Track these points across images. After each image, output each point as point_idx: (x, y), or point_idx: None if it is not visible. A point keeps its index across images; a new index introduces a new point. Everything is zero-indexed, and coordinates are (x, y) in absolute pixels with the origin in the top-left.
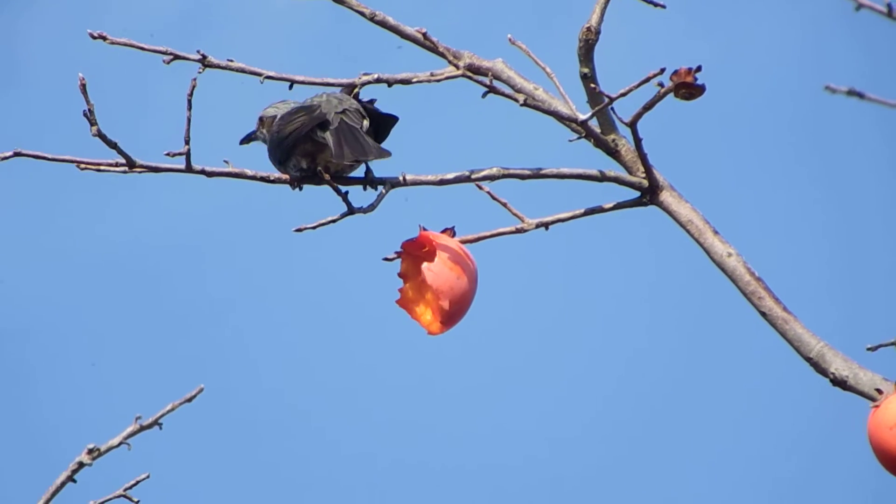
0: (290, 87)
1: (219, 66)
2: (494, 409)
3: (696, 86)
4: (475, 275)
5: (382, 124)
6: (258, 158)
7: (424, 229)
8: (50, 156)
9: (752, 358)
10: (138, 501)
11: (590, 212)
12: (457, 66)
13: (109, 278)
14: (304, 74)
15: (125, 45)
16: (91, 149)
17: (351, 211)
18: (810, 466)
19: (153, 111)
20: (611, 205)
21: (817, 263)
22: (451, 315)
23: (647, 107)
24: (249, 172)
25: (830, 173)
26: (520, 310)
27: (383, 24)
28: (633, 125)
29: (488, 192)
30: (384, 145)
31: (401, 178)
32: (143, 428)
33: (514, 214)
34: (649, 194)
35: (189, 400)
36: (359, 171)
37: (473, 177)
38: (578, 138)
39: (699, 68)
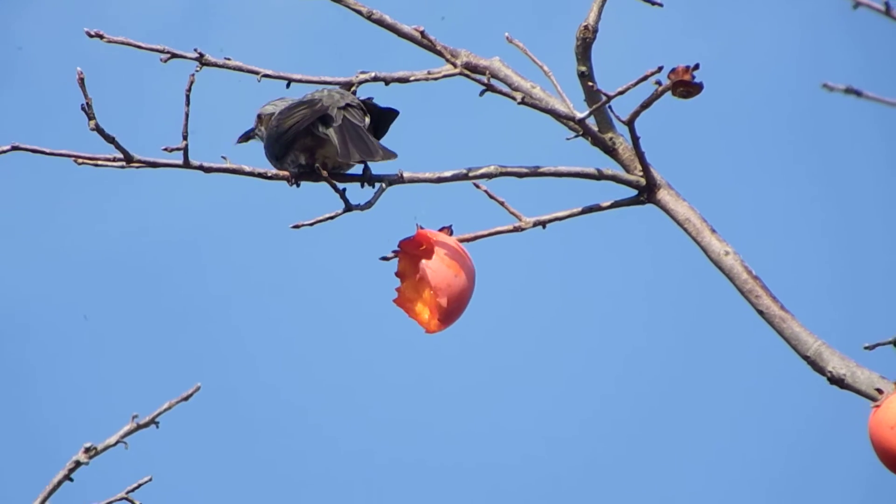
0: (288, 85)
1: (216, 65)
2: (492, 408)
3: (694, 84)
4: (472, 273)
5: (382, 120)
6: (256, 155)
7: (422, 228)
8: (47, 150)
9: (749, 356)
10: None
11: (587, 210)
12: (454, 65)
13: (106, 275)
14: (302, 73)
15: (122, 43)
16: (89, 145)
17: (349, 208)
18: (807, 465)
19: (151, 109)
20: (608, 203)
21: (815, 262)
22: (449, 313)
23: (645, 105)
24: (247, 168)
25: (828, 172)
26: (517, 308)
27: (381, 22)
28: (630, 123)
29: (486, 191)
30: (384, 141)
31: (398, 176)
32: (139, 427)
33: (512, 213)
34: (647, 193)
35: (186, 398)
36: (356, 169)
37: (471, 175)
38: (576, 136)
39: (697, 66)
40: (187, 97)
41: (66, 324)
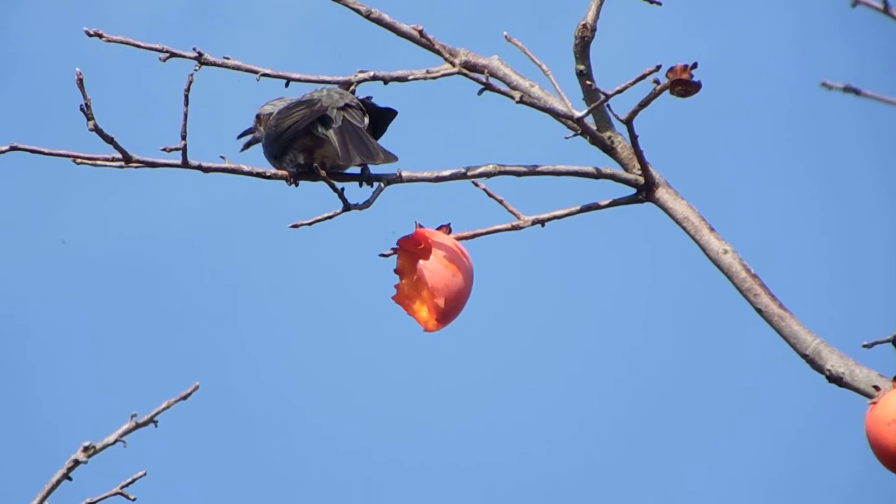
0: (287, 84)
1: (215, 64)
2: (490, 406)
3: (692, 83)
4: (471, 272)
5: (381, 120)
6: (255, 155)
7: (420, 226)
8: (46, 150)
9: (747, 355)
10: (135, 499)
11: (586, 209)
12: (453, 64)
13: (105, 274)
14: (301, 72)
15: (121, 42)
16: (89, 145)
17: (347, 208)
18: (806, 463)
19: (152, 108)
20: (607, 202)
21: (813, 260)
22: (447, 312)
23: (643, 104)
24: (246, 168)
25: (827, 170)
26: (516, 307)
27: (379, 21)
28: (629, 122)
29: (484, 189)
30: (382, 141)
31: (397, 175)
32: (138, 425)
33: (510, 211)
34: (645, 191)
35: (185, 397)
36: (355, 168)
37: (469, 174)
38: (574, 135)
39: (695, 65)
40: (186, 97)
41: (65, 323)
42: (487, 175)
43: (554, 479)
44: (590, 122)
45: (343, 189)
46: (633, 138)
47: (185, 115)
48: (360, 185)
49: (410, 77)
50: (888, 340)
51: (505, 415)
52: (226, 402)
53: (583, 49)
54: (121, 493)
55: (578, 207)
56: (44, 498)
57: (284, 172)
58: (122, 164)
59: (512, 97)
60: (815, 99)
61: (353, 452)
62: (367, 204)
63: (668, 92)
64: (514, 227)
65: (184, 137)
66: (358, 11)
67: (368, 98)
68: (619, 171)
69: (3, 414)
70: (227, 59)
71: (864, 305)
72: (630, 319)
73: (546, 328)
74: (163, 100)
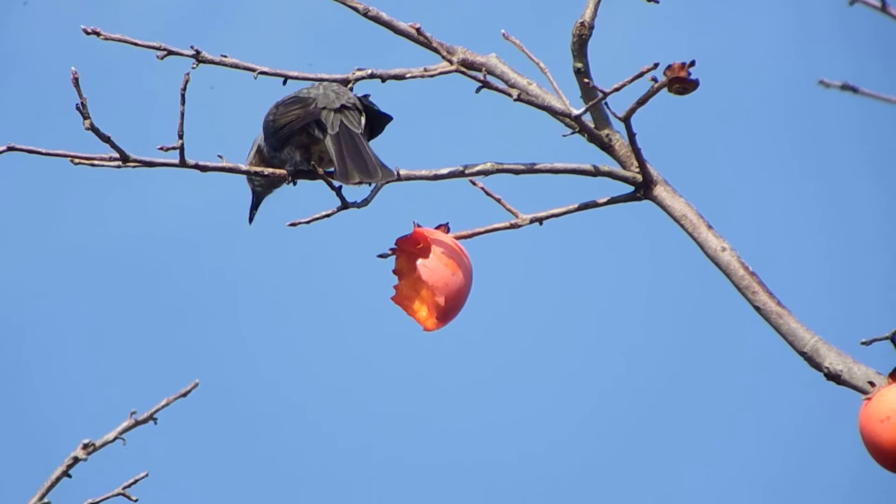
0: (284, 82)
1: (212, 62)
2: (490, 405)
3: (690, 80)
4: (470, 270)
5: (377, 121)
6: None
7: (419, 226)
8: (44, 150)
9: (746, 352)
10: (137, 500)
11: (584, 207)
12: (450, 62)
13: (104, 272)
14: (299, 70)
15: (119, 40)
16: (90, 144)
17: (345, 206)
18: (804, 460)
19: (152, 107)
20: (605, 200)
21: (812, 258)
22: (447, 311)
23: (641, 102)
24: (243, 167)
25: (825, 168)
26: (514, 305)
27: (377, 19)
28: (626, 120)
29: (482, 188)
30: (378, 141)
31: (394, 173)
32: (138, 423)
33: (508, 210)
34: (643, 189)
35: (184, 395)
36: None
37: (467, 172)
38: (572, 133)
39: (693, 63)
40: (183, 95)
41: (64, 321)
42: (485, 173)
43: (553, 477)
44: (588, 119)
45: (341, 187)
46: (631, 136)
47: (182, 114)
48: (358, 184)
49: (408, 75)
50: (886, 338)
51: (504, 413)
52: (225, 399)
53: (580, 47)
54: (123, 494)
55: (576, 205)
56: (43, 495)
57: (282, 171)
58: (120, 163)
59: (510, 95)
60: (812, 97)
61: (352, 451)
62: (366, 202)
63: (665, 90)
64: (513, 226)
65: (181, 136)
66: (355, 9)
67: (367, 96)
68: (617, 169)
69: (2, 411)
70: (225, 57)
71: (862, 303)
72: (628, 317)
73: (545, 326)
74: (161, 98)
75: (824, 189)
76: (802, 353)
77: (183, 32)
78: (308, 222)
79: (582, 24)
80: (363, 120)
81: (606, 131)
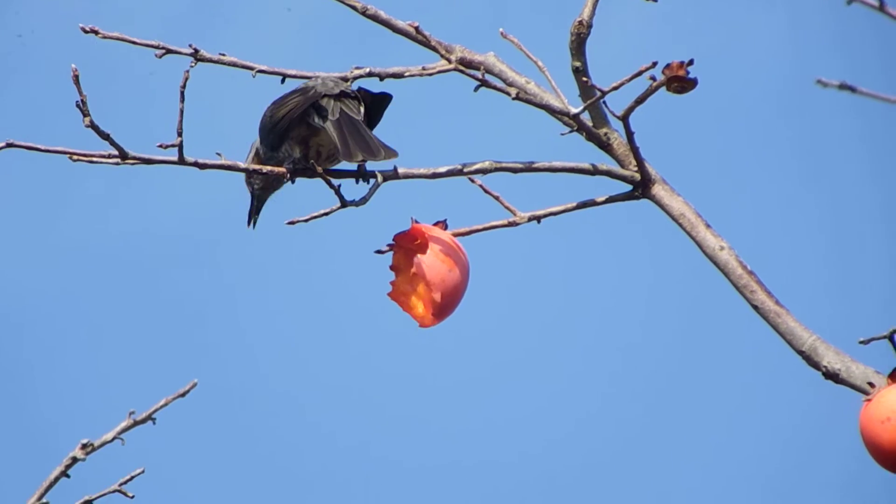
0: (283, 80)
1: (211, 60)
2: (487, 403)
3: (689, 79)
4: (467, 267)
5: (375, 108)
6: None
7: (416, 222)
8: (42, 147)
9: (744, 352)
10: (133, 497)
11: (582, 205)
12: (449, 60)
13: (103, 271)
14: (297, 68)
15: (117, 39)
16: (90, 142)
17: (344, 204)
18: (802, 460)
19: (153, 106)
20: (603, 198)
21: (810, 257)
22: (443, 308)
23: (639, 100)
24: (242, 165)
25: (823, 167)
26: (512, 303)
27: (375, 18)
28: (625, 119)
29: (480, 186)
30: (378, 129)
31: (393, 172)
32: (136, 423)
33: (507, 208)
34: (641, 188)
35: (183, 395)
36: (351, 163)
37: (466, 170)
38: (570, 132)
39: (691, 62)
40: (182, 93)
41: (63, 320)
42: (484, 171)
43: (551, 476)
44: (586, 118)
45: (340, 185)
46: (630, 135)
47: (181, 112)
48: (357, 182)
49: (406, 74)
50: (885, 337)
51: (501, 410)
52: (224, 399)
53: (579, 46)
54: (119, 491)
55: (575, 204)
56: (42, 495)
57: (281, 169)
58: (119, 160)
59: (508, 94)
60: (810, 96)
61: (351, 449)
62: (364, 200)
63: (664, 89)
64: (511, 224)
65: (180, 134)
66: (354, 8)
67: (359, 88)
68: (616, 168)
69: (1, 411)
70: (223, 55)
71: (860, 302)
72: (626, 316)
73: (542, 324)
74: (161, 96)
75: (822, 188)
76: (801, 352)
77: (182, 30)
78: (307, 220)
79: (580, 22)
80: (362, 109)
81: (605, 130)
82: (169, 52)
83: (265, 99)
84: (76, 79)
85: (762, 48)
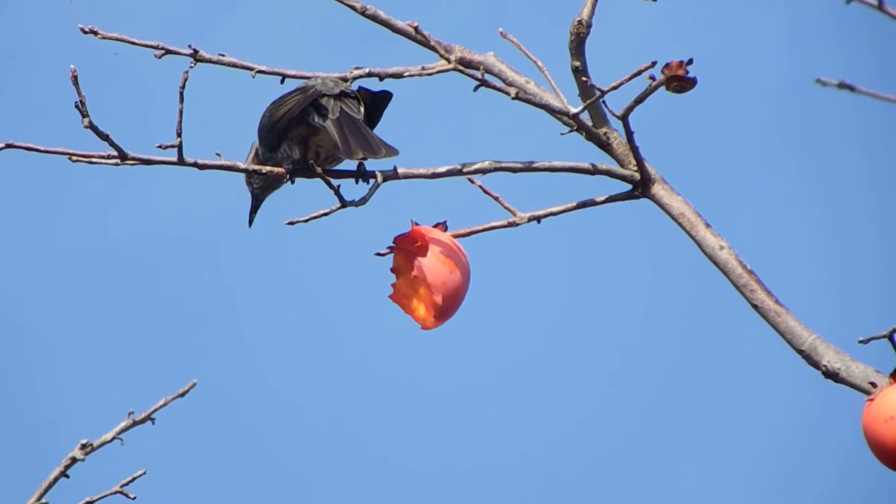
0: (282, 81)
1: (210, 61)
2: (487, 404)
3: (688, 79)
4: (468, 269)
5: (375, 107)
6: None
7: (416, 224)
8: (42, 148)
9: (743, 351)
10: (135, 498)
11: (582, 205)
12: (448, 60)
13: (102, 271)
14: (297, 69)
15: (116, 39)
16: (89, 143)
17: (343, 204)
18: (802, 459)
19: (153, 105)
20: (603, 198)
21: (810, 256)
22: (445, 309)
23: (639, 100)
24: (241, 165)
25: (822, 166)
26: (512, 304)
27: (374, 18)
28: (624, 118)
29: (480, 186)
30: (378, 129)
31: (393, 172)
32: (135, 423)
33: (507, 208)
34: (641, 187)
35: (182, 395)
36: (350, 164)
37: (465, 170)
38: (570, 131)
39: (690, 61)
40: (181, 94)
41: (62, 320)
42: (483, 172)
43: (551, 476)
44: (585, 118)
45: (339, 186)
46: (629, 134)
47: (181, 113)
48: (357, 182)
49: (406, 74)
50: (884, 336)
51: (502, 411)
52: (223, 399)
53: (578, 45)
54: (120, 492)
55: (574, 204)
56: (41, 496)
57: (281, 169)
58: (118, 161)
59: (508, 93)
60: (810, 95)
61: (350, 450)
62: (364, 201)
63: (663, 88)
64: (511, 224)
65: (179, 135)
66: (353, 8)
67: (359, 88)
68: (615, 168)
69: (1, 411)
70: (223, 56)
71: (860, 301)
72: (626, 316)
73: (543, 325)
74: (160, 96)
75: (822, 187)
76: (800, 351)
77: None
78: (306, 221)
79: (580, 22)
80: (362, 109)
81: (604, 129)
82: (168, 52)
83: (265, 99)
84: (75, 80)
85: (761, 47)
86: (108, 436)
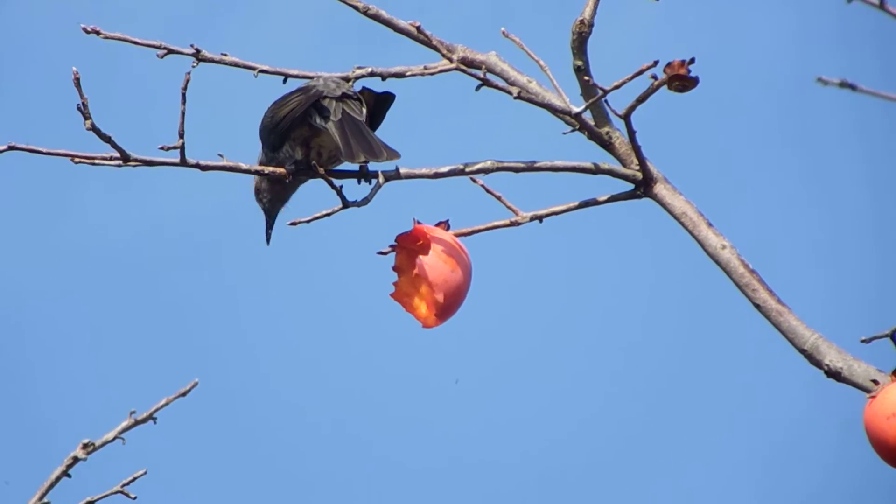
0: (284, 80)
1: (212, 61)
2: (489, 403)
3: (690, 78)
4: (469, 268)
5: (378, 107)
6: (253, 152)
7: (419, 223)
8: (44, 149)
9: (745, 350)
10: (136, 498)
11: (584, 204)
12: (450, 60)
13: (104, 272)
14: (299, 69)
15: (118, 39)
16: (92, 144)
17: (346, 205)
18: (804, 458)
19: (154, 105)
20: (605, 197)
21: (812, 255)
22: (446, 308)
23: (641, 99)
24: (244, 166)
25: (824, 165)
26: (514, 303)
27: (377, 17)
28: (626, 117)
29: (482, 186)
30: (380, 130)
31: (395, 172)
32: (137, 422)
33: (509, 207)
34: (643, 187)
35: (183, 394)
36: (352, 164)
37: (467, 170)
38: (572, 131)
39: (692, 60)
40: (183, 94)
41: (64, 320)
42: (485, 171)
43: (552, 475)
44: (588, 117)
45: (342, 186)
46: (631, 134)
47: (183, 113)
48: (359, 182)
49: (408, 73)
50: (886, 335)
51: (503, 410)
52: (225, 399)
53: (580, 45)
54: (121, 492)
55: (576, 203)
56: (43, 495)
57: (282, 170)
58: (120, 162)
59: (510, 93)
60: (811, 94)
61: (352, 449)
62: (366, 201)
63: (665, 87)
64: (513, 224)
65: (181, 135)
66: (355, 7)
67: (362, 88)
68: (617, 167)
69: (2, 411)
70: (225, 55)
71: (862, 300)
72: (628, 315)
73: (545, 324)
74: (162, 97)
75: (823, 186)
76: (802, 351)
77: (184, 30)
78: (309, 221)
79: (582, 21)
80: (364, 110)
81: (606, 129)
82: (170, 52)
83: (267, 99)
84: (77, 82)
85: (763, 47)
86: (110, 435)
